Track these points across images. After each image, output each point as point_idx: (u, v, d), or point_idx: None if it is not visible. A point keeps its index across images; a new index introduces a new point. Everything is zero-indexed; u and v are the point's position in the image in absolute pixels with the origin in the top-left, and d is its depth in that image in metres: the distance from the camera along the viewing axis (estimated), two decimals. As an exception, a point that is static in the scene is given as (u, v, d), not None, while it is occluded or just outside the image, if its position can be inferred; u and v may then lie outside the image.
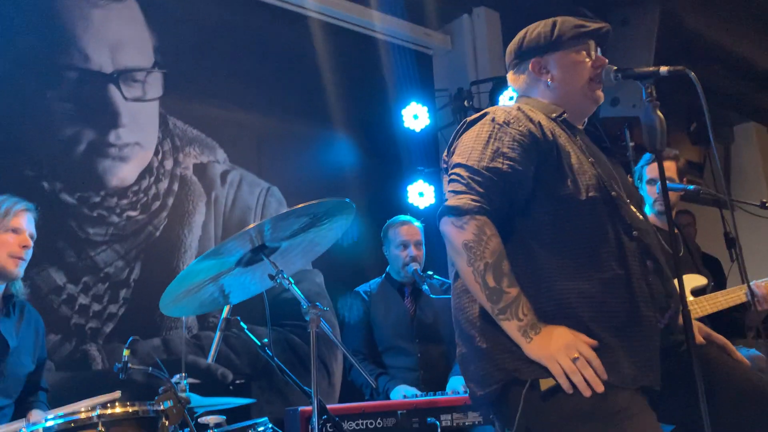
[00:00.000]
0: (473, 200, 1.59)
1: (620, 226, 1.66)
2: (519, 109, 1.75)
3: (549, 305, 1.58)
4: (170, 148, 3.66)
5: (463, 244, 1.56)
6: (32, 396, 2.45)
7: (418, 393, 2.94)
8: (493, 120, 1.71)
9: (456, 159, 1.69)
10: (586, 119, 1.92)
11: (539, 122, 1.72)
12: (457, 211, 1.58)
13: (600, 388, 1.47)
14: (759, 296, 2.90)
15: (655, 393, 1.58)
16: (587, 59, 1.82)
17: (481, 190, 1.60)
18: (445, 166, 1.79)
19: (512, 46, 1.92)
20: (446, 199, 1.64)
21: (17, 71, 3.20)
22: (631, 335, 1.57)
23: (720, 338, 1.89)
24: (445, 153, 1.81)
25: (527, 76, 1.88)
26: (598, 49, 1.85)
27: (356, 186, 4.29)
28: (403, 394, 2.94)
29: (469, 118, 1.79)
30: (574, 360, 1.48)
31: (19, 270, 2.38)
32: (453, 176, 1.66)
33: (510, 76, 1.94)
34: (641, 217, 1.77)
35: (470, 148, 1.67)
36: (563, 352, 1.49)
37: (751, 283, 2.92)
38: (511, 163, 1.63)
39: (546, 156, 1.67)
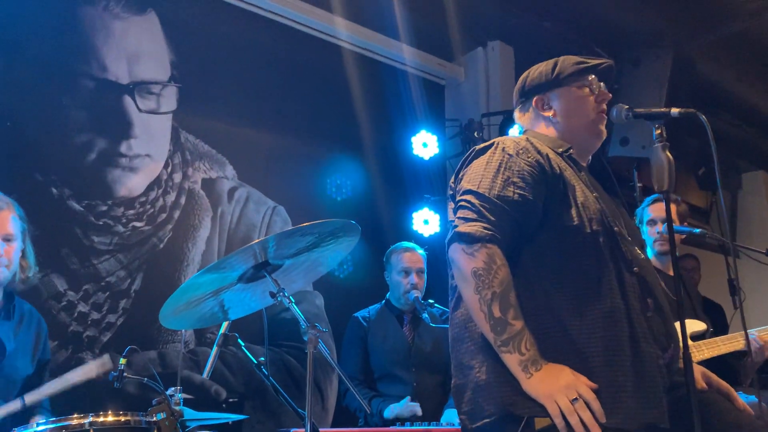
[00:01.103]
0: (485, 228, 1.58)
1: (621, 261, 1.66)
2: (528, 140, 1.77)
3: (550, 336, 1.57)
4: (180, 162, 3.69)
5: (473, 271, 1.55)
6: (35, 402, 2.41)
7: (411, 403, 2.92)
8: (503, 150, 1.72)
9: (465, 185, 1.69)
10: (590, 156, 1.94)
11: (547, 155, 1.73)
12: (469, 239, 1.57)
13: (597, 431, 1.45)
14: (760, 345, 2.87)
15: (661, 431, 1.56)
16: (589, 94, 1.85)
17: (492, 218, 1.60)
18: (451, 192, 1.79)
19: (517, 85, 1.97)
20: (455, 225, 1.63)
21: (35, 76, 3.24)
22: (633, 370, 1.56)
23: (724, 385, 1.87)
24: (452, 180, 1.81)
25: (532, 112, 1.91)
26: (602, 85, 1.88)
27: (362, 210, 4.30)
28: (395, 408, 2.93)
29: (477, 147, 1.80)
30: (573, 401, 1.46)
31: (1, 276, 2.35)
32: (463, 203, 1.66)
33: (516, 114, 1.99)
34: (642, 255, 1.77)
35: (480, 175, 1.68)
36: (562, 392, 1.47)
37: (752, 331, 2.90)
38: (522, 192, 1.63)
39: (553, 188, 1.68)
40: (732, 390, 1.86)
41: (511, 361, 1.51)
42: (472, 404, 1.60)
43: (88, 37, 3.43)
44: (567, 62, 1.87)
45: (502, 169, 1.67)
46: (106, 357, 2.23)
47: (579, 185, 1.73)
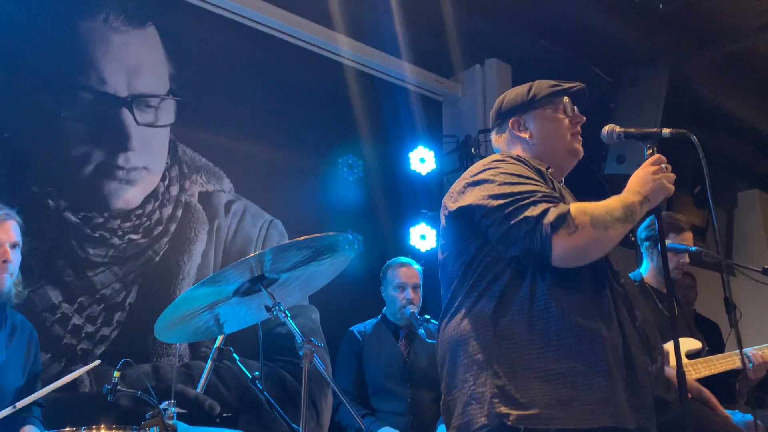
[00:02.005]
0: (540, 208, 1.58)
1: (610, 273, 1.71)
2: (518, 156, 1.82)
3: (554, 339, 1.58)
4: (177, 175, 3.69)
5: (587, 223, 1.56)
6: (25, 411, 2.39)
7: None
8: (496, 161, 1.76)
9: (479, 203, 1.67)
10: (564, 176, 1.97)
11: (538, 169, 1.78)
12: (556, 224, 1.55)
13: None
14: (755, 364, 2.87)
15: None
16: (564, 116, 1.89)
17: (528, 200, 1.60)
18: (446, 213, 1.82)
19: (494, 108, 2.02)
20: (526, 244, 1.58)
21: (34, 87, 3.25)
22: (627, 373, 1.59)
23: (706, 393, 1.91)
24: (454, 199, 1.80)
25: (508, 134, 1.94)
26: (575, 108, 1.92)
27: (359, 224, 4.30)
28: None
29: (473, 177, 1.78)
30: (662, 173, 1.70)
31: (2, 283, 2.35)
32: (506, 227, 1.61)
33: (493, 136, 2.02)
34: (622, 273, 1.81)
35: (485, 190, 1.68)
36: (651, 176, 1.69)
37: (747, 350, 2.90)
38: (532, 179, 1.67)
39: None
40: (712, 397, 1.90)
41: (640, 208, 1.66)
42: (465, 417, 1.60)
43: (87, 49, 3.44)
44: (542, 85, 1.92)
45: (501, 174, 1.69)
46: (96, 362, 2.23)
47: (570, 199, 1.77)
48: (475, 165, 1.83)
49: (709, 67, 4.99)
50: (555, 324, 1.58)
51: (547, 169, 1.84)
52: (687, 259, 3.07)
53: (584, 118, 1.92)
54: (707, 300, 4.86)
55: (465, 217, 1.72)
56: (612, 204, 1.63)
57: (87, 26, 3.47)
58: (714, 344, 3.58)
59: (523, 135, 1.91)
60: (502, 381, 1.55)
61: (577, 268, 1.62)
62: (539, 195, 1.61)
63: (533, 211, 1.57)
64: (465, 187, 1.74)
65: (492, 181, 1.68)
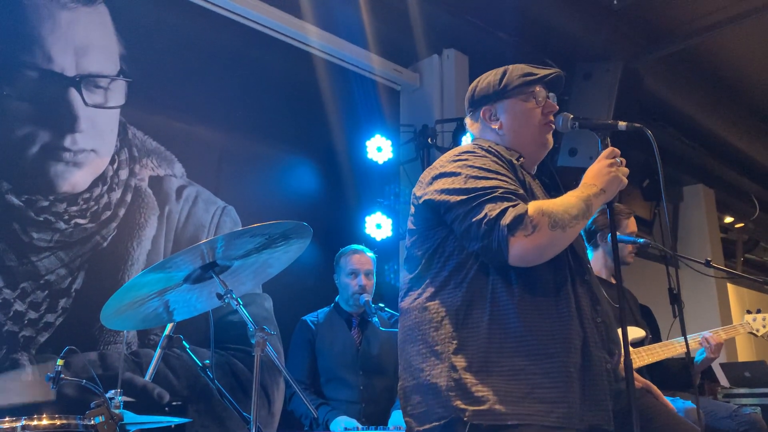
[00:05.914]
0: (499, 207, 1.56)
1: (576, 269, 1.70)
2: (490, 148, 1.78)
3: (513, 336, 1.57)
4: (127, 158, 3.59)
5: (544, 224, 1.55)
6: None
7: (359, 426, 2.90)
8: (466, 152, 1.74)
9: (451, 208, 1.65)
10: (535, 167, 1.96)
11: (510, 161, 1.76)
12: (513, 225, 1.54)
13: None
14: (712, 345, 2.99)
15: None
16: (536, 106, 1.85)
17: (489, 197, 1.59)
18: (414, 201, 1.79)
19: (468, 93, 1.97)
20: (484, 242, 1.57)
21: (-25, 65, 3.11)
22: (583, 373, 1.60)
23: (644, 381, 1.97)
24: (423, 189, 1.77)
25: (480, 123, 1.92)
26: (551, 95, 1.89)
27: (314, 212, 4.27)
28: (342, 425, 2.89)
29: (438, 170, 1.77)
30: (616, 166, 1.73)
31: None
32: (468, 223, 1.60)
33: (467, 121, 1.99)
34: (590, 265, 1.81)
35: (453, 188, 1.66)
36: (607, 170, 1.71)
37: (704, 333, 3.03)
38: (498, 174, 1.66)
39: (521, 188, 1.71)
40: (653, 386, 1.98)
41: (596, 201, 1.68)
42: (421, 407, 1.60)
43: (33, 26, 3.31)
44: (514, 73, 1.87)
45: (470, 168, 1.67)
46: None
47: (538, 192, 1.77)
48: (446, 154, 1.81)
49: (660, 63, 5.11)
50: (515, 322, 1.57)
51: (519, 159, 1.82)
52: (631, 247, 3.15)
53: (557, 107, 1.88)
54: (649, 290, 5.03)
55: (430, 208, 1.71)
56: (570, 201, 1.63)
57: (32, 1, 3.33)
58: (652, 330, 3.71)
59: (493, 125, 1.88)
60: (459, 374, 1.54)
61: (540, 266, 1.61)
62: (500, 191, 1.60)
63: (492, 211, 1.57)
64: (433, 178, 1.73)
65: (458, 174, 1.67)
